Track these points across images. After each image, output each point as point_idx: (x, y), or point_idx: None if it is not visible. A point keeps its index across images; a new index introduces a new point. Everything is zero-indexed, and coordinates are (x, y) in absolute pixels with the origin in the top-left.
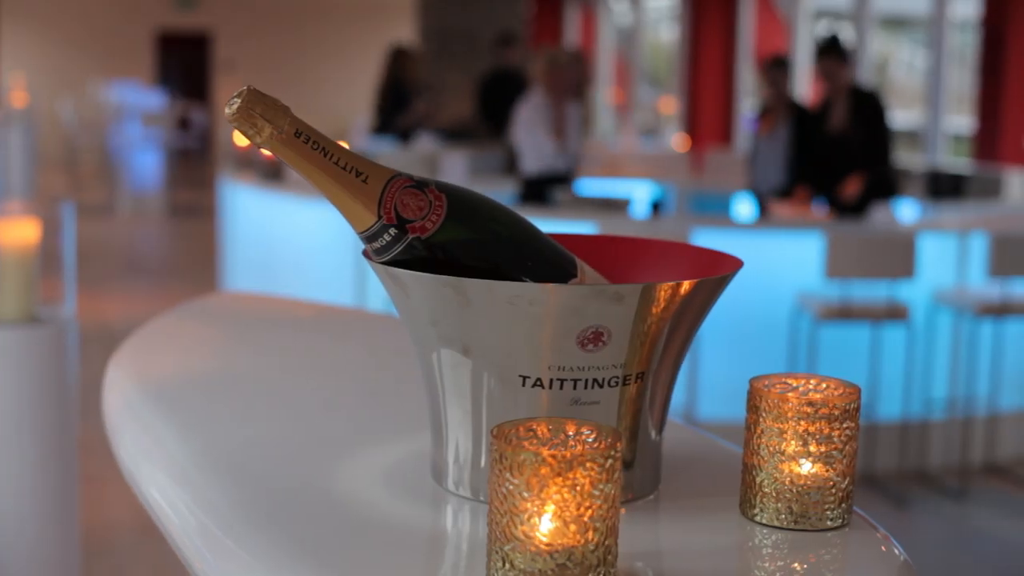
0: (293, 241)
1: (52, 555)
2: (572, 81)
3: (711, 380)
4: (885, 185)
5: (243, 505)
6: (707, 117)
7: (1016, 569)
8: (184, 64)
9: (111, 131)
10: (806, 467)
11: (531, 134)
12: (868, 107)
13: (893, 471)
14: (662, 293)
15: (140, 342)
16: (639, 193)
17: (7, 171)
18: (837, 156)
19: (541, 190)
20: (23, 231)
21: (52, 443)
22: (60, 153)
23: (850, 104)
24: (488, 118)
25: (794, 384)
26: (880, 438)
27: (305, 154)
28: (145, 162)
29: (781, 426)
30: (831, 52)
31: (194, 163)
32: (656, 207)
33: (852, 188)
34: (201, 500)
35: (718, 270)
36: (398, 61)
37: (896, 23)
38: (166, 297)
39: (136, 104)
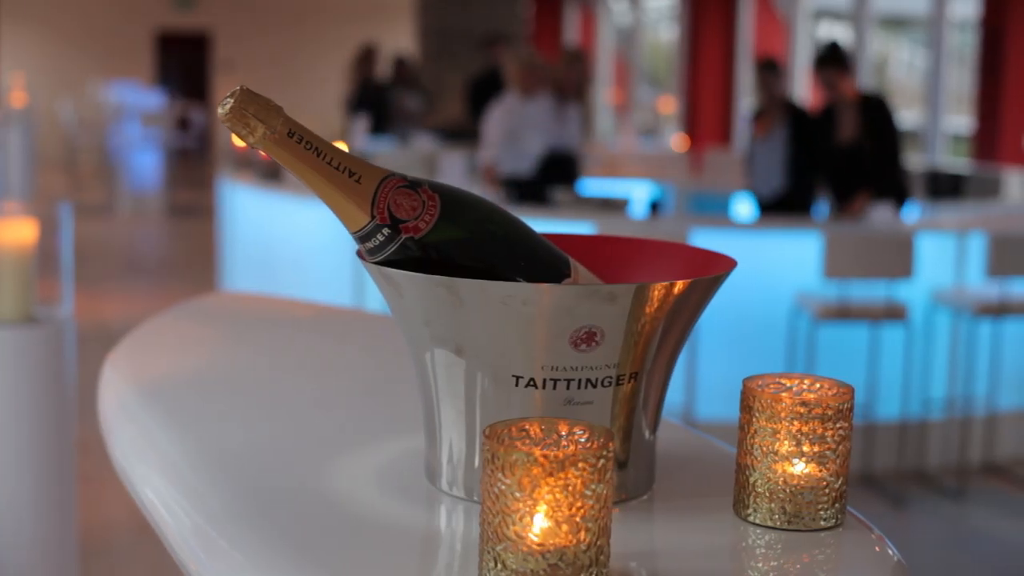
0: (292, 241)
1: (50, 555)
2: (573, 81)
3: (709, 380)
4: (897, 191)
5: (237, 505)
6: (706, 117)
7: (1015, 569)
8: (183, 64)
9: (110, 131)
10: (799, 467)
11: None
12: (878, 115)
13: (891, 471)
14: (655, 293)
15: (136, 342)
16: (638, 193)
17: (6, 171)
18: (850, 167)
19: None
20: (21, 231)
21: (50, 443)
22: (60, 153)
23: (859, 114)
24: (478, 118)
25: (788, 384)
26: (878, 438)
27: (298, 154)
28: (144, 162)
29: (774, 426)
30: (830, 62)
31: (193, 163)
32: (655, 207)
33: (859, 206)
34: (195, 500)
35: (712, 270)
36: (368, 60)
37: (895, 23)
38: (165, 297)
39: (135, 104)
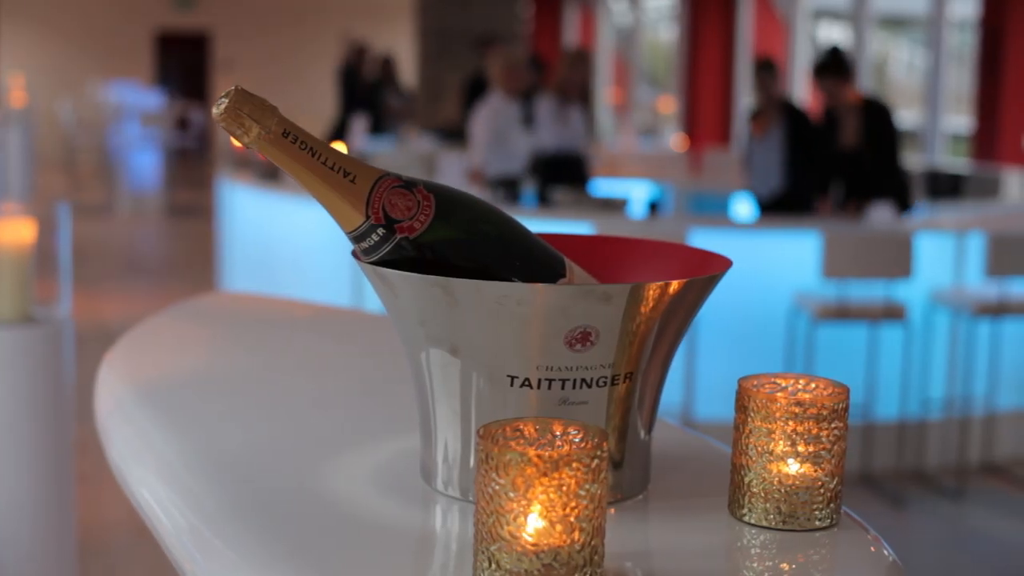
0: (291, 241)
1: (48, 555)
2: (577, 82)
3: (708, 380)
4: (899, 197)
5: (232, 506)
6: (706, 117)
7: (1014, 569)
8: (183, 64)
9: (110, 131)
10: (794, 467)
11: (481, 138)
12: (878, 121)
13: (890, 471)
14: (650, 293)
15: (133, 342)
16: (637, 193)
17: (6, 171)
18: (852, 172)
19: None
20: (19, 231)
21: (47, 443)
22: (59, 153)
23: (861, 120)
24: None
25: (783, 384)
26: (877, 438)
27: (293, 154)
28: (144, 162)
29: (769, 426)
30: (829, 71)
31: (193, 163)
32: (654, 207)
33: (851, 213)
34: (190, 500)
35: (707, 270)
36: (358, 56)
37: (895, 23)
38: (164, 297)
39: (135, 104)
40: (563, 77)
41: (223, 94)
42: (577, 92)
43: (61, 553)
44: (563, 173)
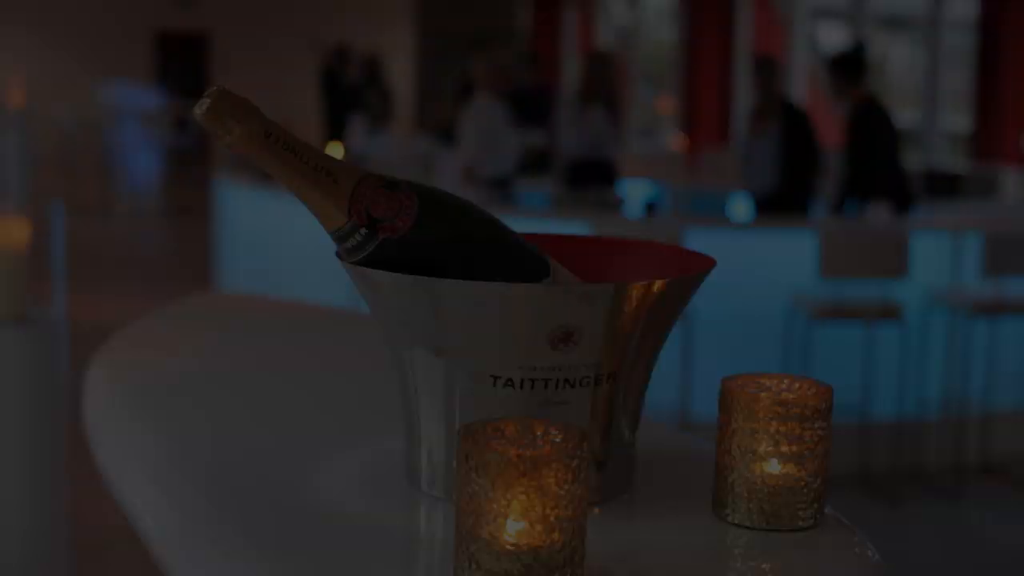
0: (288, 242)
1: (43, 554)
2: (600, 84)
3: (705, 380)
4: (900, 197)
5: (218, 507)
6: (705, 117)
7: (1011, 569)
8: (183, 64)
9: (109, 131)
10: (778, 467)
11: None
12: (878, 122)
13: (887, 471)
14: (633, 293)
15: (123, 342)
16: (635, 193)
17: (3, 171)
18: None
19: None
20: (13, 231)
21: (41, 443)
22: (58, 153)
23: (860, 120)
24: None
25: (767, 384)
26: (874, 438)
27: (275, 154)
28: (142, 162)
29: (753, 426)
30: (847, 68)
31: (191, 163)
32: (650, 207)
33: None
34: (176, 502)
35: (691, 269)
36: (339, 59)
37: (894, 23)
38: (162, 297)
39: (134, 104)
40: (585, 78)
41: (205, 94)
42: (600, 94)
43: (56, 553)
44: (585, 175)
